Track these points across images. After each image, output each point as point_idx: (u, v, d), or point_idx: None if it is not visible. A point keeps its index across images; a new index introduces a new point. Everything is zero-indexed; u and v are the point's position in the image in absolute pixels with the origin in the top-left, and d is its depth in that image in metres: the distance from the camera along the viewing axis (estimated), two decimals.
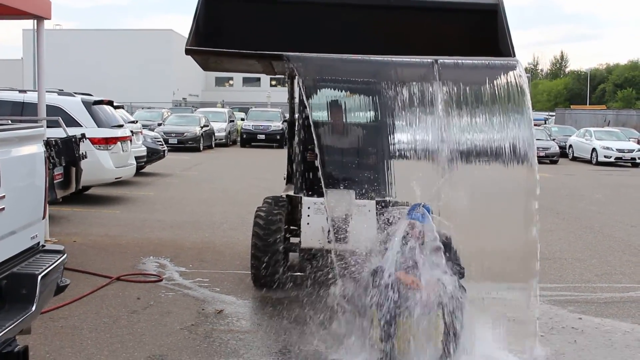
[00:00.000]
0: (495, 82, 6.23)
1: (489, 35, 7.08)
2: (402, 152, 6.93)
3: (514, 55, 6.74)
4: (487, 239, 5.86)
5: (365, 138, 8.10)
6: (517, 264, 6.27)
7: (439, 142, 6.16)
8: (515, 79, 6.11)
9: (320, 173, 6.53)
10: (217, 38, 7.07)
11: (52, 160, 8.18)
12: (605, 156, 31.31)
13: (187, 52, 6.82)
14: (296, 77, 6.97)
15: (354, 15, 7.36)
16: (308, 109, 7.02)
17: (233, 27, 7.33)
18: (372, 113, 8.10)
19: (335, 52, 6.40)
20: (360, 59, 6.35)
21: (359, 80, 7.42)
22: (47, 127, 9.09)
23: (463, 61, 6.42)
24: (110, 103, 14.83)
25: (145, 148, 17.91)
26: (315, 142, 6.42)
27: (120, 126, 14.38)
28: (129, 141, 14.48)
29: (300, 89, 6.71)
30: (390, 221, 6.01)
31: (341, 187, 7.24)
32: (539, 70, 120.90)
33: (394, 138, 7.39)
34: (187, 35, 6.88)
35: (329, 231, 6.93)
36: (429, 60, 6.23)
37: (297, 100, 8.71)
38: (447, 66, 6.20)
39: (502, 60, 6.57)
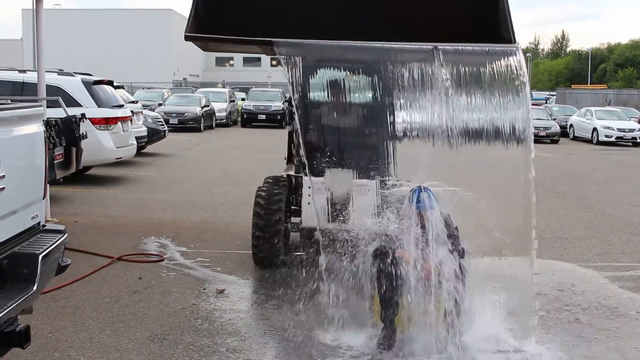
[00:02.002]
0: (494, 68, 6.19)
1: (489, 17, 7.02)
2: (401, 134, 6.93)
3: (514, 40, 6.69)
4: (486, 217, 5.86)
5: (364, 120, 8.07)
6: (516, 242, 6.27)
7: (437, 124, 6.14)
8: (514, 64, 6.07)
9: (320, 153, 6.54)
10: (217, 21, 7.02)
11: (52, 140, 8.17)
12: (606, 136, 31.20)
13: (187, 38, 6.79)
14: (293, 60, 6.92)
15: None
16: (307, 92, 7.01)
17: (232, 9, 7.28)
18: (371, 95, 8.07)
19: (334, 34, 6.35)
20: (359, 46, 6.31)
21: (357, 64, 7.38)
22: (47, 107, 9.09)
23: (463, 47, 6.37)
24: (110, 83, 14.79)
25: (146, 128, 17.88)
26: (315, 123, 6.42)
27: (121, 106, 14.34)
28: (129, 121, 14.45)
29: (297, 72, 6.69)
30: (391, 202, 6.00)
31: (341, 167, 7.23)
32: (540, 50, 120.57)
33: (393, 120, 7.38)
34: (187, 16, 6.84)
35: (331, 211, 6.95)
36: (428, 46, 6.19)
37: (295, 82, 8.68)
38: (447, 52, 6.16)
39: (502, 47, 6.51)
